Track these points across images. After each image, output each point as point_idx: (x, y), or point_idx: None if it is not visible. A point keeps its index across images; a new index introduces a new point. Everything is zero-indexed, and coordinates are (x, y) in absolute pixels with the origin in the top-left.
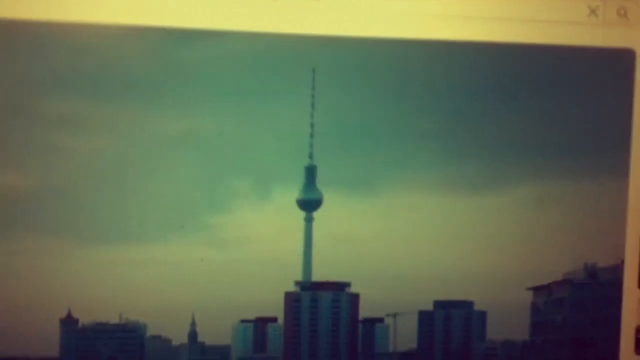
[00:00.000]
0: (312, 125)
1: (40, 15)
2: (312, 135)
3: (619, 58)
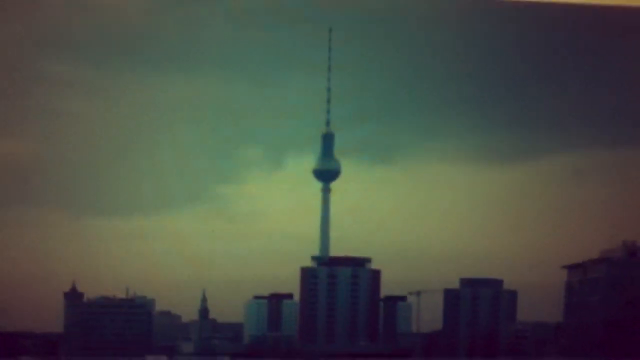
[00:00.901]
0: (328, 90)
1: None
2: (329, 100)
3: None
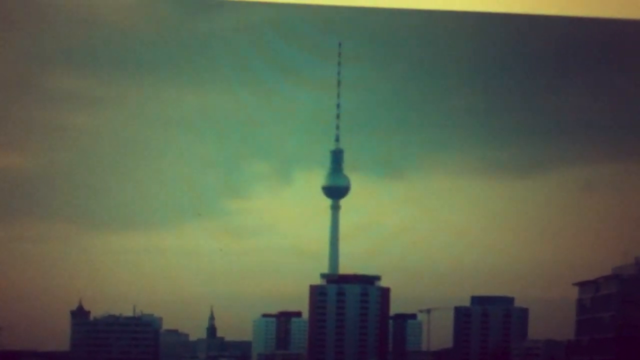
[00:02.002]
0: (338, 105)
1: None
2: (338, 116)
3: None
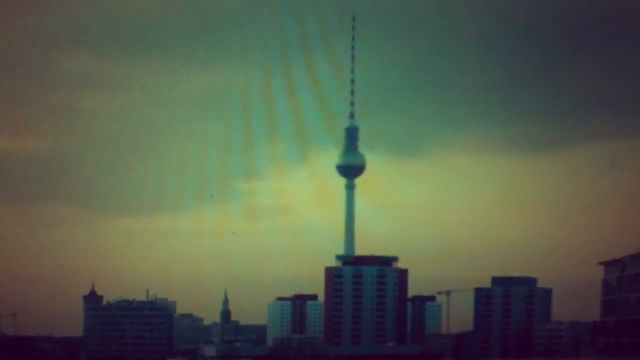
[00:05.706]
0: (352, 81)
1: None
2: (353, 93)
3: None
